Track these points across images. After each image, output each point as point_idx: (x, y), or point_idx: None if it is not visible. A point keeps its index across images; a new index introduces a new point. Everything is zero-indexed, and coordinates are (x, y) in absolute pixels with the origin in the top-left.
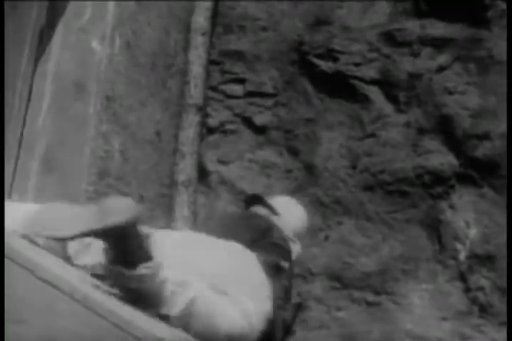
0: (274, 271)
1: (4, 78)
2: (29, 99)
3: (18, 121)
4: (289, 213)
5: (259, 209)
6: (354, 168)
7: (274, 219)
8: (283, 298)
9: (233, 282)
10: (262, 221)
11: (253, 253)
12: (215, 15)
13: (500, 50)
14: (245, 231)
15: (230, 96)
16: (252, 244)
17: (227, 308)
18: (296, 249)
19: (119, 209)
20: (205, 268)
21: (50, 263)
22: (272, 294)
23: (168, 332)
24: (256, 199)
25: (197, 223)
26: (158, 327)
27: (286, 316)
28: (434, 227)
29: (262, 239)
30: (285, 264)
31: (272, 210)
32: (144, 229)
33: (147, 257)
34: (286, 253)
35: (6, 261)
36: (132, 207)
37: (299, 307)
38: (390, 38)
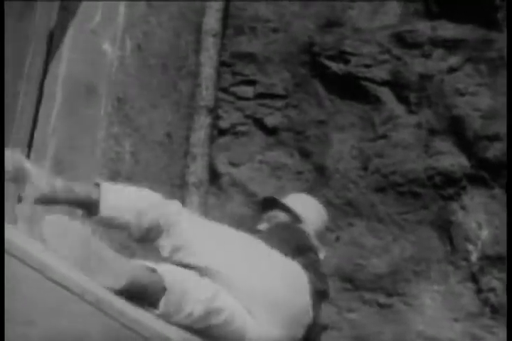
0: (320, 297)
1: (4, 78)
2: (39, 101)
3: (27, 123)
4: (311, 216)
5: (279, 215)
6: (365, 169)
7: (302, 227)
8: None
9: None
10: (299, 236)
11: (306, 275)
12: (226, 17)
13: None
14: (285, 247)
15: (240, 98)
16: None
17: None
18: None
19: None
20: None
21: (60, 265)
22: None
23: (176, 333)
24: (272, 203)
25: None
26: (166, 328)
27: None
28: (446, 228)
29: (301, 255)
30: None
31: (293, 216)
32: None
33: None
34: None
35: (16, 262)
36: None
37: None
38: (400, 39)
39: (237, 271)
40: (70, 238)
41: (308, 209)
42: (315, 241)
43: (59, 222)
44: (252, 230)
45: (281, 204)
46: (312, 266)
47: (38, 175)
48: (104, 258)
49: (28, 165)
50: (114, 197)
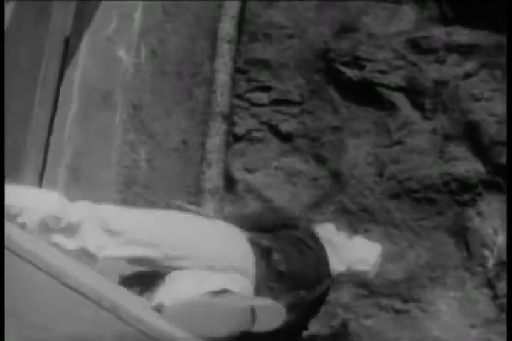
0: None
1: (4, 78)
2: (55, 108)
3: (43, 130)
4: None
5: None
6: (381, 175)
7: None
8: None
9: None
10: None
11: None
12: (241, 23)
13: None
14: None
15: (256, 104)
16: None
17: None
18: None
19: (271, 318)
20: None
21: (76, 271)
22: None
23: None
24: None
25: None
26: (183, 335)
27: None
28: (462, 234)
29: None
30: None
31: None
32: None
33: None
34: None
35: (32, 268)
36: (282, 315)
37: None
38: (415, 45)
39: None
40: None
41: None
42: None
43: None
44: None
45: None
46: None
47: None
48: None
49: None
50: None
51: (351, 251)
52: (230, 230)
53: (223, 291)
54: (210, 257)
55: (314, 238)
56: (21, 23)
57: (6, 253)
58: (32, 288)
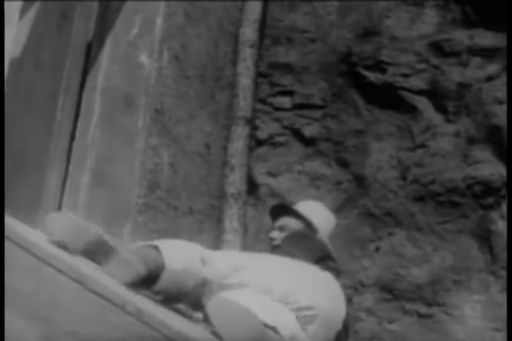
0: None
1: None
2: (77, 113)
3: (66, 135)
4: (322, 223)
5: (291, 222)
6: (404, 178)
7: (319, 236)
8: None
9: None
10: (317, 245)
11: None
12: (263, 28)
13: None
14: (306, 257)
15: (278, 109)
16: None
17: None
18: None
19: None
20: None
21: (101, 276)
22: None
23: None
24: (283, 210)
25: (247, 235)
26: (210, 338)
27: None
28: (486, 238)
29: (321, 264)
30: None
31: (305, 222)
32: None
33: None
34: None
35: (56, 273)
36: None
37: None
38: (438, 48)
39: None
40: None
41: (319, 216)
42: (331, 249)
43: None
44: (267, 238)
45: (293, 211)
46: (333, 274)
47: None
48: None
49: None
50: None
51: None
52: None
53: (273, 329)
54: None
55: None
56: (44, 29)
57: (35, 261)
58: (57, 292)
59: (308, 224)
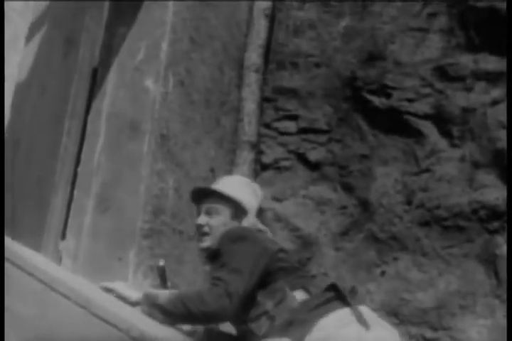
0: None
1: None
2: (83, 138)
3: (71, 160)
4: (246, 195)
5: (219, 205)
6: (409, 203)
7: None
8: None
9: None
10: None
11: None
12: (267, 52)
13: None
14: None
15: (283, 133)
16: None
17: None
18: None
19: None
20: None
21: (105, 300)
22: None
23: None
24: (204, 193)
25: None
26: None
27: None
28: (491, 262)
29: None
30: None
31: (229, 200)
32: None
33: None
34: None
35: (62, 299)
36: None
37: None
38: (443, 72)
39: None
40: None
41: (245, 193)
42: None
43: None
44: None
45: (217, 192)
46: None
47: None
48: None
49: None
50: None
51: None
52: None
53: None
54: None
55: None
56: (50, 54)
57: (40, 285)
58: (61, 317)
59: (236, 204)
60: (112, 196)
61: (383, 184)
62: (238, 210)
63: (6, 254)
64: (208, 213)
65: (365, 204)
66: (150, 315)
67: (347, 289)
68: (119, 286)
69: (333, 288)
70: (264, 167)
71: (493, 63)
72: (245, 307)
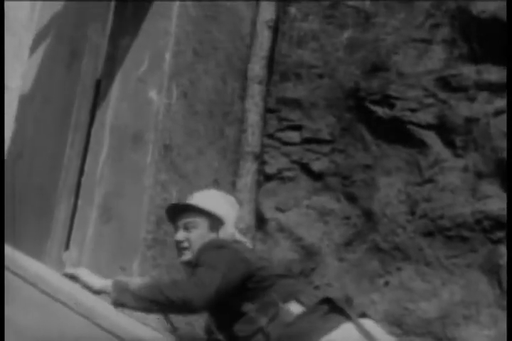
0: None
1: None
2: (86, 148)
3: (75, 171)
4: (223, 209)
5: (196, 219)
6: (413, 213)
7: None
8: None
9: None
10: None
11: None
12: (271, 64)
13: None
14: None
15: (286, 144)
16: None
17: None
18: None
19: None
20: None
21: (109, 311)
22: None
23: None
24: (181, 208)
25: None
26: None
27: None
28: (495, 272)
29: None
30: None
31: (206, 214)
32: None
33: None
34: None
35: (65, 309)
36: None
37: None
38: (446, 83)
39: None
40: None
41: (216, 201)
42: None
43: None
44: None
45: (192, 207)
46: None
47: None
48: None
49: None
50: None
51: None
52: None
53: None
54: None
55: None
56: (53, 66)
57: (43, 296)
58: (64, 327)
59: (212, 216)
60: (115, 206)
61: (386, 194)
62: (215, 222)
63: (9, 264)
64: (186, 228)
65: (368, 215)
66: (119, 301)
67: (342, 300)
68: (82, 273)
69: (327, 300)
70: (268, 177)
71: (495, 74)
72: (238, 325)
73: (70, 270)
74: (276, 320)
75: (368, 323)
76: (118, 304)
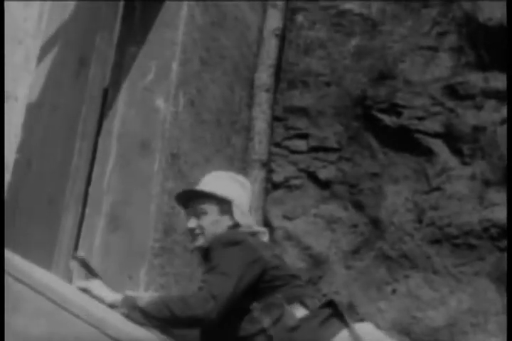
0: None
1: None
2: (93, 157)
3: (82, 179)
4: (235, 192)
5: (206, 204)
6: (420, 221)
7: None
8: None
9: None
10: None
11: None
12: (278, 72)
13: None
14: None
15: (294, 152)
16: None
17: None
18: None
19: None
20: None
21: (119, 321)
22: None
23: None
24: (190, 195)
25: None
26: None
27: None
28: (503, 280)
29: None
30: None
31: (217, 198)
32: None
33: None
34: None
35: (74, 319)
36: None
37: None
38: (453, 91)
39: None
40: None
41: (223, 183)
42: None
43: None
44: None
45: (200, 192)
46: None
47: None
48: None
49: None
50: None
51: None
52: None
53: None
54: None
55: None
56: (61, 74)
57: (51, 305)
58: (72, 336)
59: (221, 199)
60: (122, 215)
61: (394, 202)
62: (225, 205)
63: (16, 273)
64: (197, 215)
65: (375, 223)
66: (130, 317)
67: (344, 305)
68: (94, 286)
69: (330, 304)
70: (275, 186)
71: (503, 81)
72: (241, 323)
73: (81, 283)
74: (280, 322)
75: (367, 328)
76: (129, 320)
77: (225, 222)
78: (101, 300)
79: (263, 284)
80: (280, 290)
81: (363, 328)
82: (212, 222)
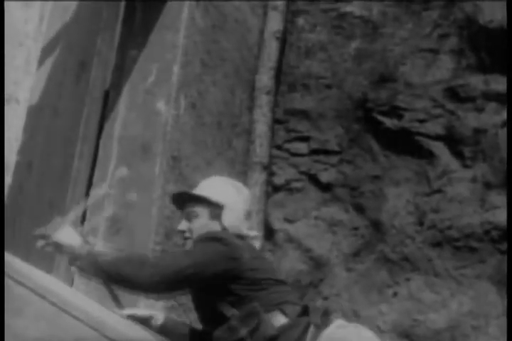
0: None
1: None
2: (94, 160)
3: (83, 183)
4: (230, 198)
5: (198, 208)
6: (421, 224)
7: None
8: None
9: None
10: None
11: None
12: (279, 74)
13: None
14: None
15: (295, 154)
16: None
17: None
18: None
19: None
20: None
21: (120, 324)
22: None
23: None
24: (186, 197)
25: None
26: None
27: None
28: (504, 283)
29: None
30: None
31: (211, 204)
32: None
33: None
34: None
35: (75, 321)
36: None
37: None
38: (454, 93)
39: None
40: None
41: (217, 189)
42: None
43: None
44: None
45: (188, 195)
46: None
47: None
48: None
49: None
50: None
51: None
52: None
53: None
54: None
55: None
56: (62, 77)
57: (52, 308)
58: (72, 339)
59: (212, 204)
60: (124, 218)
61: (395, 205)
62: (215, 209)
63: (16, 276)
64: (188, 218)
65: (376, 225)
66: (81, 268)
67: (320, 310)
68: (63, 234)
69: (306, 311)
70: (276, 188)
71: (503, 84)
72: (221, 331)
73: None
74: (258, 331)
75: (353, 331)
76: (73, 263)
77: (214, 226)
78: (71, 249)
79: (240, 287)
80: (258, 296)
81: (350, 331)
82: (201, 226)
